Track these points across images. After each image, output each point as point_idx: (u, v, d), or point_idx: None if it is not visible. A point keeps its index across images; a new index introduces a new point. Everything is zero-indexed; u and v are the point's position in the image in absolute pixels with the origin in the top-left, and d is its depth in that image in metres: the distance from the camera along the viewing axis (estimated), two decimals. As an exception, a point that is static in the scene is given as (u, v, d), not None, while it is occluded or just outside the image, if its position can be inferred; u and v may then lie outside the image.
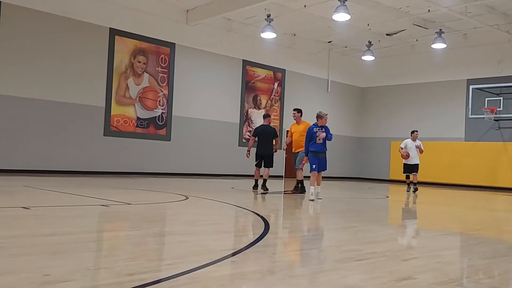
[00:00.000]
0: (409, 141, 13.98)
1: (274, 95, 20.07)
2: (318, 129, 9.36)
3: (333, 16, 14.94)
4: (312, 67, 21.29)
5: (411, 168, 13.86)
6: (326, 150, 9.56)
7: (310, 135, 9.40)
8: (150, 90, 16.23)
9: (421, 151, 13.87)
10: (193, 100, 17.27)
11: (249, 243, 4.34)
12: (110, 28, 15.27)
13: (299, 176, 10.91)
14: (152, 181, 10.60)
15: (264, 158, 11.05)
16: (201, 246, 4.42)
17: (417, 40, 19.27)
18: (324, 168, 9.60)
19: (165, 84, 16.61)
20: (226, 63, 18.30)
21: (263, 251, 4.17)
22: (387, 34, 19.38)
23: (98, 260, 3.58)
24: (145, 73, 16.09)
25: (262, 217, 6.18)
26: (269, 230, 5.16)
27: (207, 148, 17.55)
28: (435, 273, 3.53)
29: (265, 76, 19.70)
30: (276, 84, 20.09)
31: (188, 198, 8.52)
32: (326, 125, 9.51)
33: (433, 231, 6.44)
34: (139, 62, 15.98)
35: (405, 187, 14.89)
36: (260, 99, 19.51)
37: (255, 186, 11.10)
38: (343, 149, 22.64)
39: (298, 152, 10.75)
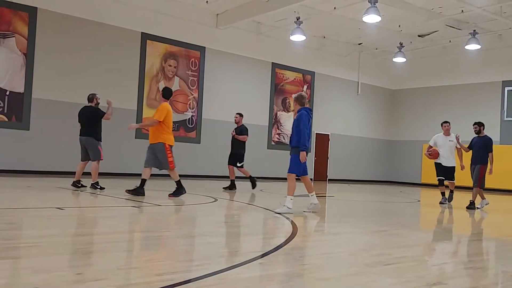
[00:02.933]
0: (439, 136, 10.54)
1: (304, 98, 19.98)
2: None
3: (363, 18, 14.80)
4: (342, 69, 21.14)
5: (445, 172, 10.35)
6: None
7: (309, 121, 7.05)
8: (181, 93, 16.42)
9: (464, 150, 10.27)
10: (222, 103, 17.38)
11: (277, 245, 4.35)
12: (142, 32, 15.54)
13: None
14: (184, 183, 10.69)
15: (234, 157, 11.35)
16: (229, 248, 4.46)
17: (450, 41, 18.89)
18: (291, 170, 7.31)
19: (195, 87, 16.78)
20: (255, 66, 18.36)
21: (291, 253, 4.18)
22: (419, 36, 19.07)
23: (128, 260, 3.65)
24: (175, 76, 16.30)
25: (290, 220, 6.17)
26: (297, 233, 5.16)
27: (236, 150, 17.60)
28: (466, 278, 3.46)
29: (294, 78, 19.67)
30: (305, 87, 20.03)
31: (216, 200, 8.59)
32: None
33: (466, 236, 6.31)
34: (170, 65, 16.20)
35: (437, 191, 11.66)
36: (289, 101, 19.48)
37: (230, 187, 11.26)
38: (373, 152, 22.40)
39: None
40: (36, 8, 13.61)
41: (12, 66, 13.31)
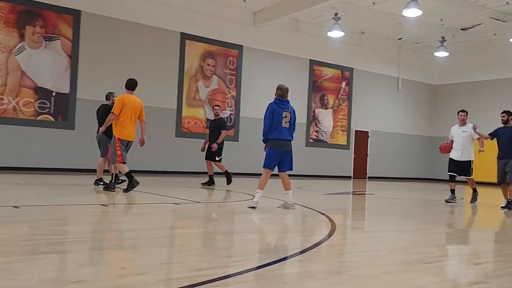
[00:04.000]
0: (454, 128, 9.62)
1: (342, 94, 19.82)
2: (286, 108, 6.95)
3: (403, 12, 14.53)
4: (381, 65, 20.81)
5: (457, 166, 9.34)
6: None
7: (272, 112, 6.86)
8: (219, 92, 16.59)
9: (484, 138, 9.16)
10: (260, 101, 17.39)
11: (315, 242, 4.36)
12: (181, 32, 15.78)
13: None
14: (222, 180, 10.86)
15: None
16: (267, 245, 4.50)
17: (494, 34, 18.27)
18: (292, 167, 7.08)
19: (233, 85, 16.91)
20: (293, 63, 18.32)
21: (330, 251, 4.18)
22: (462, 29, 18.54)
23: (170, 255, 3.75)
24: (214, 75, 16.47)
25: (328, 217, 6.16)
26: (336, 230, 5.15)
27: (274, 148, 17.64)
28: (510, 277, 3.38)
29: (333, 75, 19.51)
30: (343, 83, 19.83)
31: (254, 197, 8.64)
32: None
33: (509, 236, 6.13)
34: (208, 65, 16.38)
35: (481, 189, 11.10)
36: (327, 98, 19.35)
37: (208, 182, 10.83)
38: (414, 149, 21.95)
39: None
40: (80, 11, 14.05)
41: (57, 68, 13.79)
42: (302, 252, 3.94)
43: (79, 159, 13.82)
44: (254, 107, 17.28)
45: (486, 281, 3.22)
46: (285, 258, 3.65)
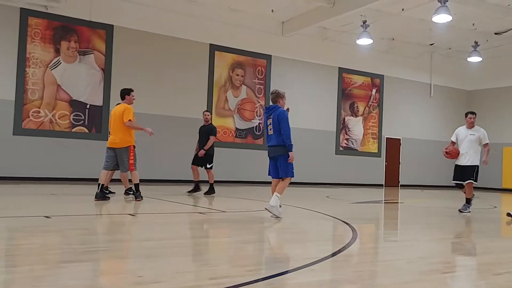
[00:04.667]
0: (460, 129, 8.99)
1: (372, 102, 19.66)
2: (269, 115, 6.86)
3: (433, 18, 14.36)
4: (412, 72, 20.55)
5: (460, 173, 8.74)
6: (285, 145, 6.63)
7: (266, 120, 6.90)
8: (248, 102, 16.75)
9: (486, 152, 8.72)
10: (289, 109, 17.47)
11: (332, 252, 4.38)
12: (210, 44, 16.05)
13: None
14: (251, 189, 10.95)
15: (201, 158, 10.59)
16: (285, 254, 4.55)
17: (530, 37, 17.81)
18: (285, 174, 6.74)
19: (261, 95, 17.04)
20: (322, 72, 18.32)
21: (347, 260, 4.19)
22: (495, 33, 18.13)
23: (187, 264, 3.84)
24: (243, 85, 16.65)
25: (351, 227, 6.15)
26: (356, 240, 5.14)
27: (303, 157, 17.61)
28: (527, 289, 3.32)
29: (362, 82, 19.39)
30: (374, 91, 19.68)
31: (280, 206, 8.68)
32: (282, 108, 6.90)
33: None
34: (237, 75, 16.58)
35: None
36: (357, 106, 19.23)
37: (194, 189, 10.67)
38: (442, 156, 21.44)
39: None
40: (113, 25, 14.50)
41: (91, 81, 14.26)
42: (318, 261, 3.96)
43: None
44: (283, 116, 17.34)
45: (500, 292, 3.18)
46: (298, 268, 3.69)
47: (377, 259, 4.37)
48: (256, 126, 16.85)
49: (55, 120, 13.69)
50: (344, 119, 18.93)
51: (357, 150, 19.22)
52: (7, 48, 13.00)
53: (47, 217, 6.02)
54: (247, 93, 16.73)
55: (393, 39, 19.27)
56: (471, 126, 8.83)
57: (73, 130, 13.94)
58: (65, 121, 13.82)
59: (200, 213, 7.23)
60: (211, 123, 10.93)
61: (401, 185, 20.11)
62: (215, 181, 11.09)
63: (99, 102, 14.36)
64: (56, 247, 4.33)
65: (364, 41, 16.51)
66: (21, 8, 13.12)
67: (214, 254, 4.40)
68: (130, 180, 9.10)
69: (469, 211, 8.69)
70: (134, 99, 8.66)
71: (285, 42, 17.36)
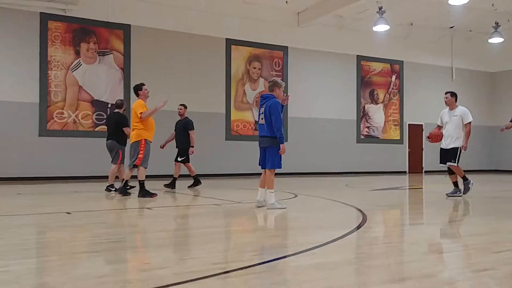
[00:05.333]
0: (444, 112, 8.74)
1: (392, 88, 19.49)
2: (262, 104, 6.76)
3: (449, 1, 14.16)
4: (433, 56, 20.26)
5: (444, 156, 8.49)
6: (276, 136, 6.53)
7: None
8: (266, 94, 16.84)
9: (467, 131, 8.33)
10: (308, 100, 17.53)
11: (337, 236, 4.47)
12: (226, 38, 16.20)
13: None
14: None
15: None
16: (291, 240, 4.67)
17: (553, 14, 17.35)
18: (271, 165, 6.65)
19: (280, 86, 17.10)
20: (339, 61, 18.26)
21: (350, 244, 4.28)
22: (516, 12, 17.73)
23: (193, 252, 4.00)
24: (260, 78, 16.75)
25: (363, 213, 6.22)
26: (365, 224, 5.22)
27: (324, 146, 17.68)
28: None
29: (382, 69, 19.24)
30: (393, 77, 19.50)
31: (297, 196, 8.80)
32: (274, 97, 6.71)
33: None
34: (254, 68, 16.69)
35: None
36: (377, 93, 19.10)
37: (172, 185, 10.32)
38: (474, 140, 21.04)
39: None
40: (130, 25, 14.79)
41: (111, 80, 14.59)
42: (321, 246, 4.07)
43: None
44: (302, 107, 17.42)
45: (495, 268, 3.23)
46: (300, 252, 3.80)
47: (381, 242, 4.44)
48: (275, 118, 16.95)
49: (78, 120, 14.08)
50: (364, 107, 18.84)
51: (378, 137, 19.11)
52: (29, 52, 13.42)
53: (68, 213, 6.28)
54: (265, 86, 16.82)
55: (411, 24, 19.03)
56: (451, 107, 8.58)
57: (96, 129, 14.31)
58: (88, 121, 14.20)
59: (215, 204, 7.40)
60: (186, 117, 10.53)
61: (425, 171, 19.92)
62: (238, 174, 11.22)
63: (120, 101, 14.66)
64: (72, 240, 4.56)
65: (381, 27, 16.38)
66: (40, 12, 13.51)
67: (222, 242, 4.55)
68: (117, 177, 9.40)
69: (460, 195, 8.42)
70: (148, 91, 8.80)
71: (301, 32, 17.37)
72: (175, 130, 10.64)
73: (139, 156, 8.19)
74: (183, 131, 10.36)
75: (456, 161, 8.34)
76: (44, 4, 13.44)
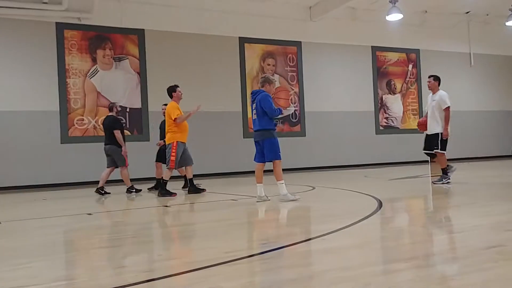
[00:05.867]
0: (428, 96, 8.71)
1: (410, 78, 19.30)
2: (253, 100, 6.93)
3: (462, -15, 13.96)
4: (449, 42, 19.97)
5: (427, 142, 8.45)
6: (269, 129, 6.77)
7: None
8: (282, 90, 16.88)
9: (445, 117, 8.14)
10: (324, 94, 17.49)
11: (350, 223, 4.51)
12: (239, 37, 16.28)
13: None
14: (289, 176, 11.10)
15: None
16: (303, 229, 4.73)
17: None
18: (273, 157, 6.79)
19: (295, 82, 17.13)
20: (354, 53, 18.16)
21: (361, 229, 4.31)
22: (534, -7, 17.37)
23: (206, 243, 4.10)
24: (275, 74, 16.79)
25: (378, 200, 6.23)
26: (378, 212, 5.24)
27: (342, 139, 17.61)
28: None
29: (398, 59, 19.06)
30: (410, 66, 19.30)
31: (314, 188, 8.84)
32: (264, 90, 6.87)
33: None
34: (269, 64, 16.74)
35: None
36: (394, 83, 18.94)
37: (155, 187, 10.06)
38: (493, 126, 20.79)
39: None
40: (143, 29, 15.00)
41: (129, 85, 14.83)
42: (332, 232, 4.11)
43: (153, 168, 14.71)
44: (318, 101, 17.41)
45: (503, 245, 3.23)
46: (311, 239, 3.86)
47: (392, 226, 4.47)
48: (292, 113, 16.97)
49: (99, 125, 14.35)
50: (381, 98, 18.70)
51: (398, 128, 18.95)
52: (48, 61, 13.74)
53: (89, 214, 6.46)
54: (280, 82, 16.86)
55: (425, 12, 18.82)
56: (433, 91, 8.42)
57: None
58: (107, 126, 14.45)
59: (232, 200, 7.50)
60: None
61: (448, 160, 19.64)
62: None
63: (138, 104, 14.91)
64: (91, 237, 4.70)
65: (394, 16, 16.25)
66: (56, 22, 13.82)
67: (235, 233, 4.63)
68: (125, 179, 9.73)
69: (447, 182, 8.25)
70: (181, 93, 8.97)
71: (314, 27, 17.34)
72: (160, 131, 10.46)
73: (171, 158, 8.36)
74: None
75: (439, 147, 8.17)
76: (59, 14, 13.74)
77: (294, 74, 17.13)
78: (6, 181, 13.17)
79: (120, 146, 9.47)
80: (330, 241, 3.77)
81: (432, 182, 8.44)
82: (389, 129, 18.75)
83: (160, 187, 8.53)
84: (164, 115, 9.97)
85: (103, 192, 9.54)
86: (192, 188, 8.86)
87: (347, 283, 2.50)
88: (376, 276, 2.64)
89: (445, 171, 8.34)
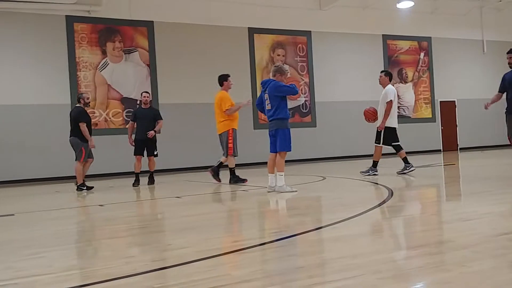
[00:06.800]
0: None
1: (421, 66, 19.10)
2: (264, 90, 6.78)
3: (474, -29, 13.75)
4: (462, 30, 19.71)
5: (377, 136, 8.69)
6: (283, 117, 6.67)
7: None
8: (292, 81, 16.78)
9: (385, 110, 8.43)
10: (334, 84, 17.39)
11: (361, 212, 4.49)
12: (248, 27, 16.22)
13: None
14: (299, 166, 11.12)
15: (147, 144, 9.51)
16: (314, 218, 4.72)
17: None
18: (281, 148, 6.63)
19: (305, 72, 17.04)
20: (365, 41, 18.01)
21: (371, 217, 4.30)
22: (548, -23, 17.06)
23: (215, 233, 4.11)
24: (285, 64, 16.70)
25: (390, 190, 6.19)
26: (389, 200, 5.21)
27: (353, 129, 17.51)
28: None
29: (409, 47, 18.87)
30: (422, 54, 19.10)
31: (325, 178, 8.81)
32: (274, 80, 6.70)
33: None
34: (278, 55, 16.67)
35: None
36: (405, 72, 18.77)
37: (137, 182, 9.64)
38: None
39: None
40: (152, 21, 15.01)
41: (139, 77, 14.87)
42: (343, 221, 4.10)
43: (169, 159, 14.78)
44: (328, 91, 17.31)
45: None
46: (322, 227, 3.85)
47: (403, 215, 4.44)
48: (302, 104, 16.90)
49: (109, 118, 14.43)
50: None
51: (409, 117, 18.81)
52: (58, 55, 13.82)
53: (100, 205, 6.51)
54: (290, 72, 16.76)
55: (437, -1, 18.59)
56: (383, 86, 8.71)
57: (127, 126, 14.62)
58: (118, 118, 14.54)
59: (243, 190, 7.50)
60: (151, 106, 10.02)
61: (460, 148, 19.50)
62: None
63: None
64: (102, 227, 4.74)
65: (405, 4, 16.12)
66: (66, 15, 13.87)
67: (245, 223, 4.64)
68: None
69: (374, 174, 8.49)
70: (232, 83, 8.99)
71: (324, 16, 17.21)
72: (137, 120, 9.63)
73: (229, 145, 8.44)
74: (154, 122, 9.56)
75: (381, 141, 8.49)
76: (69, 7, 13.79)
77: (304, 64, 17.04)
78: (19, 174, 13.32)
79: (83, 140, 8.92)
80: (341, 229, 3.76)
81: (360, 172, 8.78)
82: (401, 118, 18.50)
83: (231, 175, 8.70)
84: (142, 103, 9.83)
85: (84, 187, 8.93)
86: (233, 178, 8.76)
87: (357, 270, 2.49)
88: (386, 263, 2.62)
89: (375, 164, 8.61)
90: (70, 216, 5.81)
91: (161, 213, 5.70)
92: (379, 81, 8.84)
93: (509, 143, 7.12)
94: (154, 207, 6.46)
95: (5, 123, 13.28)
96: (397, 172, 8.71)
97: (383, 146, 8.60)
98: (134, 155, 9.64)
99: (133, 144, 9.68)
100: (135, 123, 9.65)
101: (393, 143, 8.54)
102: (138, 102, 14.75)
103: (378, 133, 8.58)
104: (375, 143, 8.60)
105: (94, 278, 2.70)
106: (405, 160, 8.63)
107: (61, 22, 13.83)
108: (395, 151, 8.73)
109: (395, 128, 8.62)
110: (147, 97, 9.72)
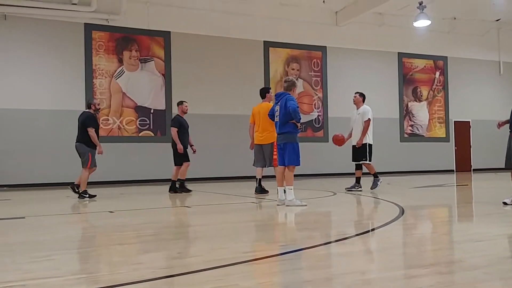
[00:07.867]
0: (353, 112, 9.69)
1: (436, 85, 19.02)
2: (277, 102, 6.78)
3: (492, -8, 13.73)
4: (478, 50, 19.63)
5: (355, 153, 9.41)
6: (292, 132, 6.62)
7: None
8: (305, 95, 16.84)
9: (363, 128, 9.09)
10: (348, 100, 17.22)
11: (370, 228, 4.46)
12: (264, 41, 16.32)
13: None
14: (310, 181, 11.07)
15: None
16: (323, 232, 4.69)
17: None
18: (290, 162, 6.60)
19: (319, 87, 17.06)
20: (380, 59, 18.01)
21: (382, 235, 4.26)
22: None
23: (224, 243, 4.10)
24: (299, 79, 16.76)
25: (400, 207, 6.14)
26: (400, 218, 5.17)
27: (366, 146, 17.43)
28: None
29: (424, 66, 18.82)
30: (437, 73, 19.03)
31: (335, 194, 8.77)
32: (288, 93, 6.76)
33: None
34: (293, 69, 16.72)
35: None
36: (420, 90, 18.70)
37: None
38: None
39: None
40: (170, 32, 15.17)
41: (154, 87, 15.01)
42: (351, 237, 4.07)
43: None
44: (341, 106, 17.27)
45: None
46: (328, 242, 3.83)
47: (413, 233, 4.39)
48: (315, 118, 16.90)
49: (123, 126, 14.55)
50: (407, 105, 18.48)
51: (423, 136, 18.69)
52: (75, 61, 14.02)
53: (110, 212, 6.54)
54: (304, 87, 16.82)
55: (454, 18, 18.56)
56: (357, 106, 9.37)
57: (140, 134, 14.74)
58: (132, 126, 14.65)
59: (253, 202, 7.49)
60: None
61: (473, 169, 19.29)
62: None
63: (161, 106, 15.07)
64: (111, 233, 4.76)
65: (422, 23, 16.07)
66: (85, 23, 14.09)
67: (255, 234, 4.63)
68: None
69: (360, 190, 9.03)
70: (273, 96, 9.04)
71: (339, 32, 17.26)
72: (179, 128, 9.75)
73: (274, 157, 8.41)
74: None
75: (368, 158, 9.17)
76: (88, 15, 14.01)
77: (318, 79, 17.07)
78: (33, 178, 13.45)
79: (90, 146, 8.73)
80: (350, 245, 3.73)
81: (370, 188, 9.17)
82: (414, 137, 18.50)
83: (258, 185, 8.86)
84: (182, 113, 9.96)
85: (87, 195, 8.75)
86: (259, 188, 8.90)
87: (366, 286, 2.46)
88: (395, 281, 2.60)
89: (376, 175, 9.24)
90: (80, 221, 5.84)
91: (171, 222, 5.71)
92: (354, 101, 9.52)
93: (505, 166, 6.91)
94: (163, 215, 6.47)
95: (21, 126, 13.45)
96: (345, 188, 9.38)
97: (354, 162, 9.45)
98: (185, 161, 9.65)
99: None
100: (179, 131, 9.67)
101: (363, 160, 9.15)
102: (151, 111, 14.87)
103: (361, 151, 9.19)
104: (362, 160, 9.25)
105: (101, 283, 2.70)
106: (358, 180, 9.26)
107: (79, 30, 14.05)
108: (355, 168, 9.41)
109: (371, 145, 9.29)
110: (187, 106, 10.14)
